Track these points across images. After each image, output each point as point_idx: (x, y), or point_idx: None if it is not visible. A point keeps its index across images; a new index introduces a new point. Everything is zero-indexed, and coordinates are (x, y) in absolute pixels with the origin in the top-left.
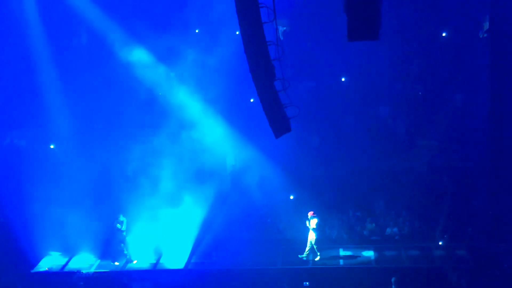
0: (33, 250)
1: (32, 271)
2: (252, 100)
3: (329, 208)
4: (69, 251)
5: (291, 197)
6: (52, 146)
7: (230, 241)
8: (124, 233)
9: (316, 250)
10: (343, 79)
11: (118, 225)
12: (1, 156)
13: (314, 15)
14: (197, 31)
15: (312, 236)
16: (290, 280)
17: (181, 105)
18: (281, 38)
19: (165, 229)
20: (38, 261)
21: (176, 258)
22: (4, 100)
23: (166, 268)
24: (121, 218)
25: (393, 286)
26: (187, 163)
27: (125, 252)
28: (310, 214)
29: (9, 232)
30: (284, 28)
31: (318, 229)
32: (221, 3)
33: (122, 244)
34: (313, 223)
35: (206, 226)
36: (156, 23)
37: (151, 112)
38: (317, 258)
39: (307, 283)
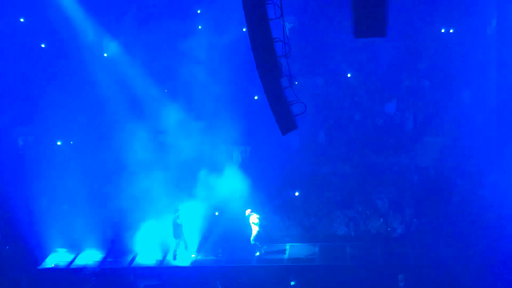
0: (40, 246)
1: (39, 267)
2: (256, 98)
3: (335, 205)
4: (76, 248)
5: (296, 194)
6: (59, 143)
7: (236, 238)
8: (182, 228)
9: (258, 246)
10: (348, 75)
11: (178, 220)
12: (8, 152)
13: (320, 11)
14: (200, 27)
15: (254, 232)
16: (296, 276)
17: (188, 100)
18: (288, 35)
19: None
20: (45, 258)
21: (183, 255)
22: (10, 97)
23: (173, 265)
24: (179, 212)
25: (400, 283)
26: (193, 159)
27: (185, 247)
28: (247, 212)
29: (15, 228)
30: (291, 24)
31: (259, 225)
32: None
33: (181, 240)
34: (253, 219)
35: (212, 222)
36: (160, 18)
37: (157, 107)
38: (257, 254)
39: (293, 282)
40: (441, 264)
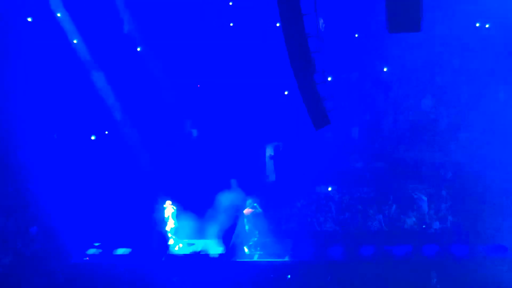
0: (77, 240)
1: (75, 261)
2: (286, 93)
3: (369, 201)
4: (112, 243)
5: (329, 189)
6: (93, 137)
7: (269, 233)
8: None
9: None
10: (385, 69)
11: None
12: (49, 148)
13: (354, 6)
14: (231, 24)
15: (170, 225)
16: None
17: (220, 96)
18: (322, 30)
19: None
20: (82, 252)
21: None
22: (48, 94)
23: (210, 257)
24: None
25: (433, 280)
26: (225, 154)
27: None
28: (167, 203)
29: (54, 222)
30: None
31: (175, 218)
32: None
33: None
34: (168, 212)
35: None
36: (193, 12)
37: (194, 104)
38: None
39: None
40: (476, 261)
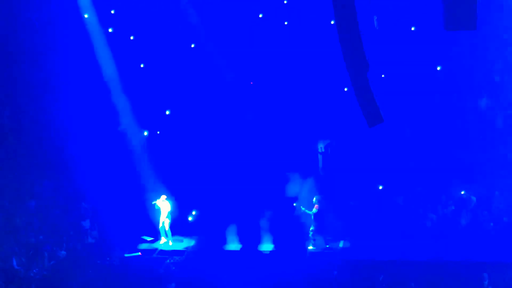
0: (128, 234)
1: (126, 255)
2: (346, 89)
3: (422, 200)
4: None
5: (380, 188)
6: (145, 133)
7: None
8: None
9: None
10: (438, 68)
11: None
12: (102, 144)
13: (409, 3)
14: (286, 23)
15: (162, 219)
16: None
17: (270, 94)
18: (376, 28)
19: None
20: (133, 246)
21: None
22: (102, 91)
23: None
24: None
25: (485, 282)
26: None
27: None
28: (162, 197)
29: (104, 216)
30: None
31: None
32: None
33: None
34: (164, 208)
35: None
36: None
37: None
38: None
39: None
40: None
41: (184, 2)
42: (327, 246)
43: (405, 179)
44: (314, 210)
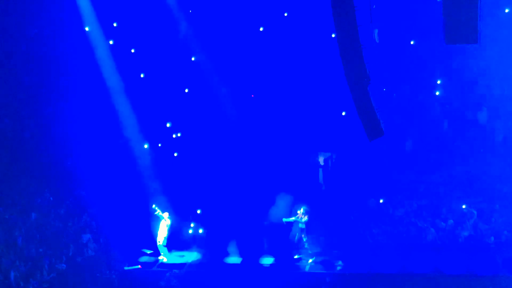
0: (128, 247)
1: (126, 268)
2: (343, 114)
3: (422, 213)
4: (163, 250)
5: (381, 201)
6: (146, 146)
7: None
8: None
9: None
10: (438, 82)
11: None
12: (102, 156)
13: (410, 17)
14: (286, 36)
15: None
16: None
17: (273, 106)
18: (377, 41)
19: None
20: (133, 258)
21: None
22: (105, 102)
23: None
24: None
25: None
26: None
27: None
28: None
29: (105, 229)
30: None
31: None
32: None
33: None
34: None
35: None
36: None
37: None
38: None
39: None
40: None
41: (184, 15)
42: (324, 258)
43: (405, 192)
44: (305, 219)
